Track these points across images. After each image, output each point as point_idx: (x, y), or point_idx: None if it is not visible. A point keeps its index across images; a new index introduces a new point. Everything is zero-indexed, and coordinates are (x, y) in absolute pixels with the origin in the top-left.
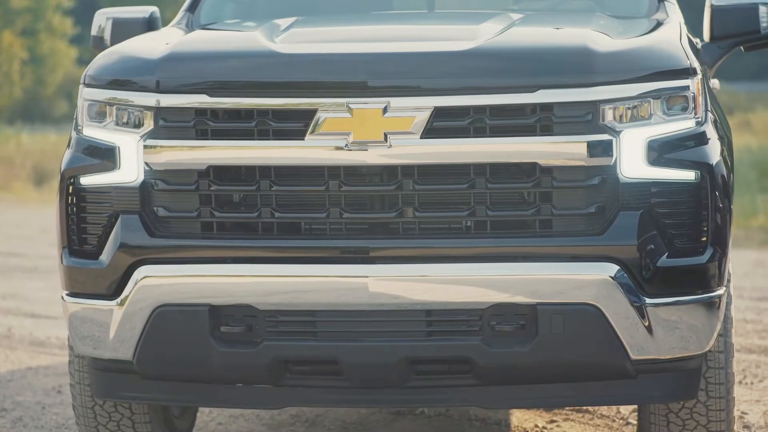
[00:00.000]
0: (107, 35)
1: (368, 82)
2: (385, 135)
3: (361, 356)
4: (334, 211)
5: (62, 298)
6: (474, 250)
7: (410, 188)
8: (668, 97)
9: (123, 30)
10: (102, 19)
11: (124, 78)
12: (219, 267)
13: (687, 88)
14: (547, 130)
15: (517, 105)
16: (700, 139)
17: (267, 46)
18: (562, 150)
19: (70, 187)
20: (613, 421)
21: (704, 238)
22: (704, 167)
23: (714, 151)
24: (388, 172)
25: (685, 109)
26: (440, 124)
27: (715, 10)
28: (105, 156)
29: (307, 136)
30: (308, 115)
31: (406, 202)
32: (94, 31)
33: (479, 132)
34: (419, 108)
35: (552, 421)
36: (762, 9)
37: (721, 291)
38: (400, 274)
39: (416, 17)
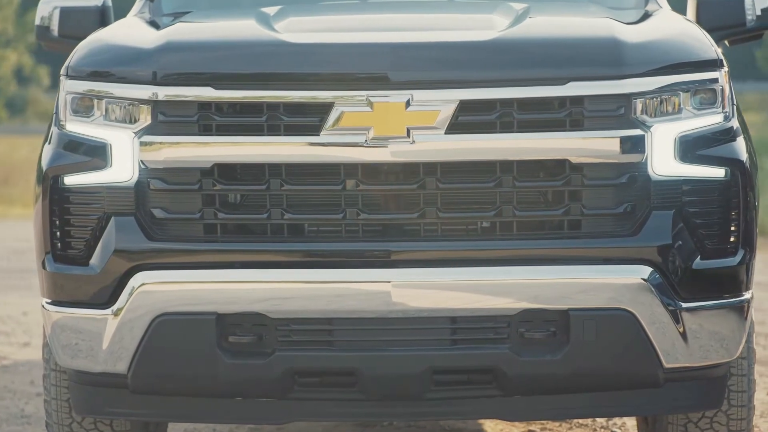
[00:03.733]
0: (54, 25)
1: (390, 74)
2: (408, 130)
3: (382, 367)
4: (351, 212)
5: (43, 306)
6: (501, 253)
7: (433, 187)
8: (698, 90)
9: (73, 20)
10: (48, 8)
11: (113, 69)
12: (226, 273)
13: (716, 80)
14: (577, 125)
15: (547, 98)
16: (729, 134)
17: (275, 36)
18: (594, 146)
19: (54, 188)
20: (594, 430)
21: (736, 239)
22: (736, 164)
23: (742, 147)
24: (410, 169)
25: (713, 103)
26: (466, 119)
27: (700, 2)
28: (94, 153)
29: (323, 132)
30: (324, 108)
31: (428, 201)
32: (38, 21)
33: (506, 127)
34: (444, 101)
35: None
36: (748, 2)
37: (749, 294)
38: (422, 279)
39: (414, 6)
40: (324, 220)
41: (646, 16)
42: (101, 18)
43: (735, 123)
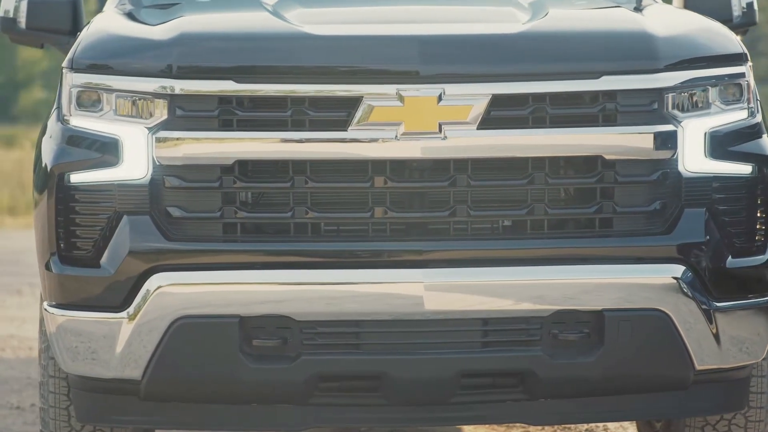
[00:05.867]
0: (22, 17)
1: (422, 68)
2: (440, 125)
3: (412, 370)
4: (379, 210)
5: (45, 310)
6: (534, 252)
7: (464, 184)
8: (725, 85)
9: (43, 12)
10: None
11: (124, 61)
12: (249, 274)
13: (743, 75)
14: (610, 120)
15: (580, 92)
16: (756, 129)
17: (297, 28)
18: (627, 142)
19: (61, 186)
20: None
21: (764, 236)
22: (764, 160)
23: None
24: (441, 166)
25: (740, 98)
26: (498, 114)
27: None
28: (103, 150)
29: (351, 127)
30: (352, 103)
31: (459, 199)
32: (1, 13)
33: (539, 122)
34: (476, 96)
35: None
36: None
37: None
38: (455, 280)
39: None
40: (351, 219)
41: (642, 8)
42: (73, 10)
43: (760, 118)
